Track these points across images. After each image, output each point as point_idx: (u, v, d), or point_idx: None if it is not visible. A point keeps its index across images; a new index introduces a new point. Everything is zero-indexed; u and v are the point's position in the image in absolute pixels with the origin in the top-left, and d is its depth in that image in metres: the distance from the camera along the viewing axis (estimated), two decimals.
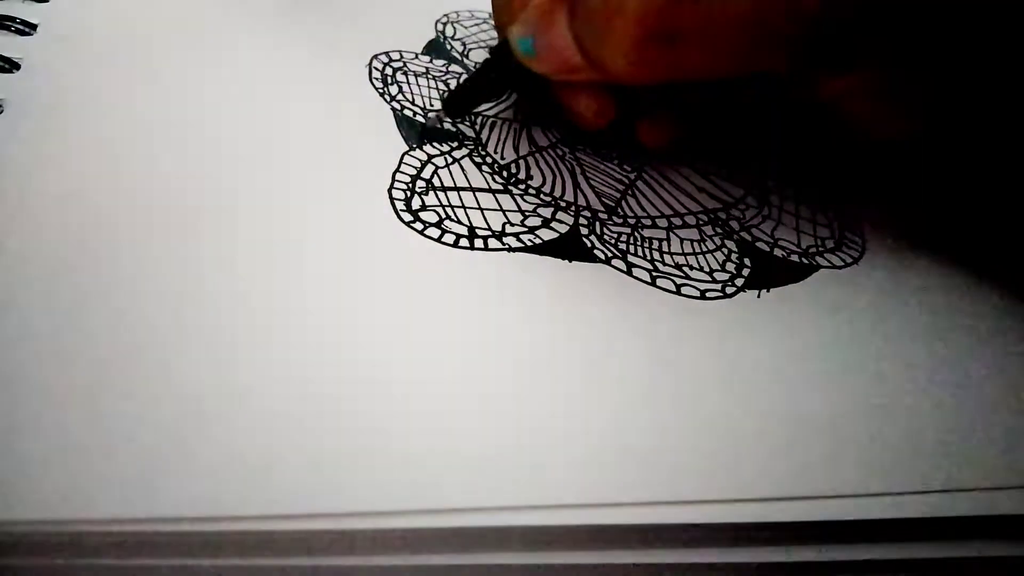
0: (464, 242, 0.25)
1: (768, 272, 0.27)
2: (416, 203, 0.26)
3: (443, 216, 0.26)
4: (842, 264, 0.28)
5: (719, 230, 0.28)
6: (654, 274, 0.26)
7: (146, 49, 0.29)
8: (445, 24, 0.36)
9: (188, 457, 0.17)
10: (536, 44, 0.25)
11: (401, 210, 0.25)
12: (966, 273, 0.29)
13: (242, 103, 0.28)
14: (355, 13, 0.35)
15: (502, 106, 0.32)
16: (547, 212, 0.27)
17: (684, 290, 0.25)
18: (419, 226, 0.25)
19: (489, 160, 0.29)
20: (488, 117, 0.31)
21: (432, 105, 0.31)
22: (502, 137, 0.30)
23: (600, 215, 0.28)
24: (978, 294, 0.28)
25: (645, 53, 0.23)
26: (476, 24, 0.37)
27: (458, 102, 0.30)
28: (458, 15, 0.37)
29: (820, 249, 0.29)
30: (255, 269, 0.22)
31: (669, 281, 0.26)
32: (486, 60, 0.29)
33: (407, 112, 0.30)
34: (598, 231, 0.27)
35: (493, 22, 0.32)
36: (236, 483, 0.17)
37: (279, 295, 0.22)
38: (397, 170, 0.27)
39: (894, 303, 0.27)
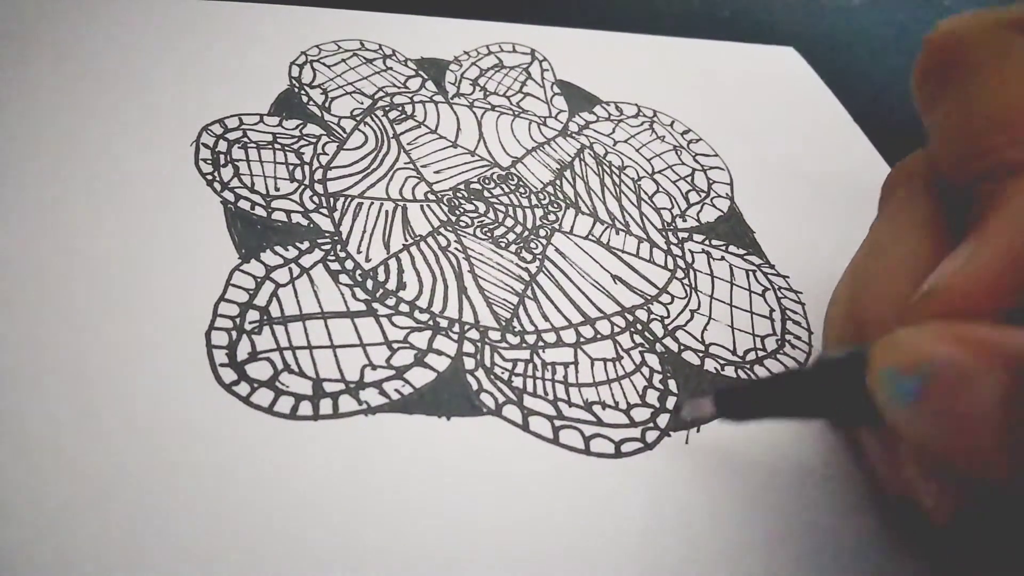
0: (306, 407, 0.19)
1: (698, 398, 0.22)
2: (243, 349, 0.20)
3: (279, 368, 0.20)
4: None
5: (638, 340, 0.23)
6: (557, 423, 0.20)
7: None
8: (303, 66, 0.29)
9: None
10: (927, 396, 0.15)
11: (221, 365, 0.19)
12: None
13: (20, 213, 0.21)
14: (186, 68, 0.28)
15: (374, 178, 0.26)
16: (423, 339, 0.21)
17: (594, 444, 0.20)
18: (244, 389, 0.19)
19: (350, 265, 0.23)
20: (352, 198, 0.25)
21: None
22: (369, 226, 0.24)
23: (491, 335, 0.22)
24: None
25: None
26: (342, 60, 0.30)
27: (740, 405, 0.19)
28: (320, 50, 0.30)
29: (760, 353, 0.24)
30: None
31: (576, 433, 0.20)
32: (798, 373, 0.20)
33: (243, 205, 0.24)
34: (487, 362, 0.21)
35: (826, 334, 0.22)
36: None
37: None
38: (222, 296, 0.21)
39: (841, 445, 0.22)
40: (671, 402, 0.22)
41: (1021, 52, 0.18)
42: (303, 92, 0.28)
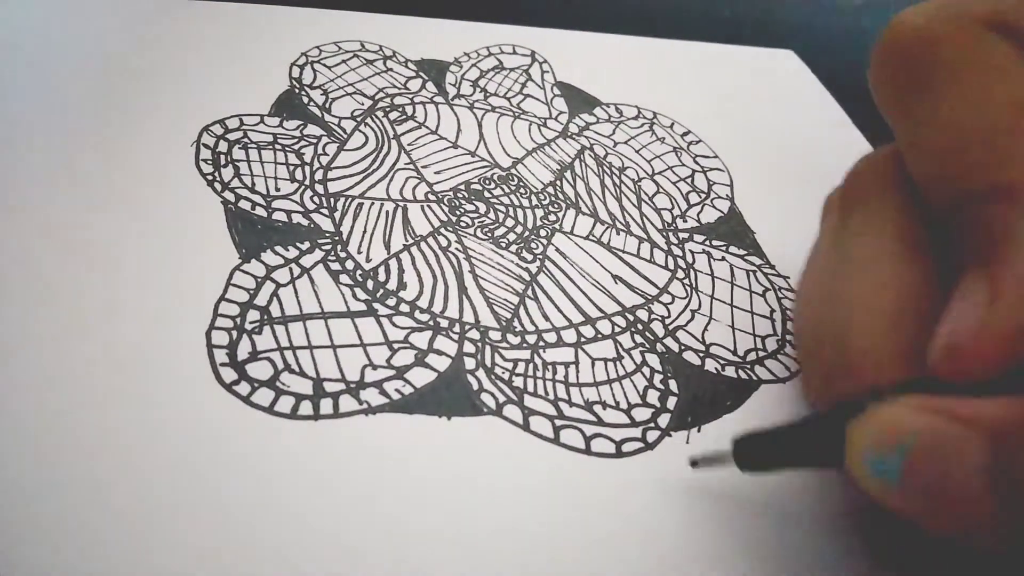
0: (306, 407, 0.19)
1: (699, 398, 0.22)
2: (244, 349, 0.20)
3: (280, 367, 0.20)
4: (786, 375, 0.23)
5: (639, 340, 0.23)
6: (558, 423, 0.20)
7: None
8: (303, 67, 0.29)
9: None
10: (908, 475, 0.14)
11: (222, 364, 0.19)
12: None
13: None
14: (186, 68, 0.28)
15: (374, 178, 0.26)
16: (423, 339, 0.21)
17: (595, 444, 0.20)
18: (244, 389, 0.19)
19: (351, 265, 0.23)
20: (353, 199, 0.25)
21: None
22: (370, 226, 0.24)
23: (492, 335, 0.22)
24: None
25: None
26: (343, 61, 0.30)
27: (758, 455, 0.18)
28: (320, 51, 0.30)
29: (760, 354, 0.24)
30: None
31: (576, 433, 0.20)
32: (811, 422, 0.18)
33: (244, 205, 0.24)
34: (488, 362, 0.21)
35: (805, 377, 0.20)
36: None
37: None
38: (223, 296, 0.21)
39: None
40: (672, 402, 0.22)
41: (1001, 56, 0.17)
42: (303, 93, 0.28)
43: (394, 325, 0.22)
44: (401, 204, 0.25)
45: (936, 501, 0.14)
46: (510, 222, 0.26)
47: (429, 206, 0.26)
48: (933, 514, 0.14)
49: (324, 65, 0.30)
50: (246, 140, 0.25)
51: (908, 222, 0.19)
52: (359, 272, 0.23)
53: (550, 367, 0.22)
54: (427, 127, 0.29)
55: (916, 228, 0.19)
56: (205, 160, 0.24)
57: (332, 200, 0.25)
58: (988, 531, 0.14)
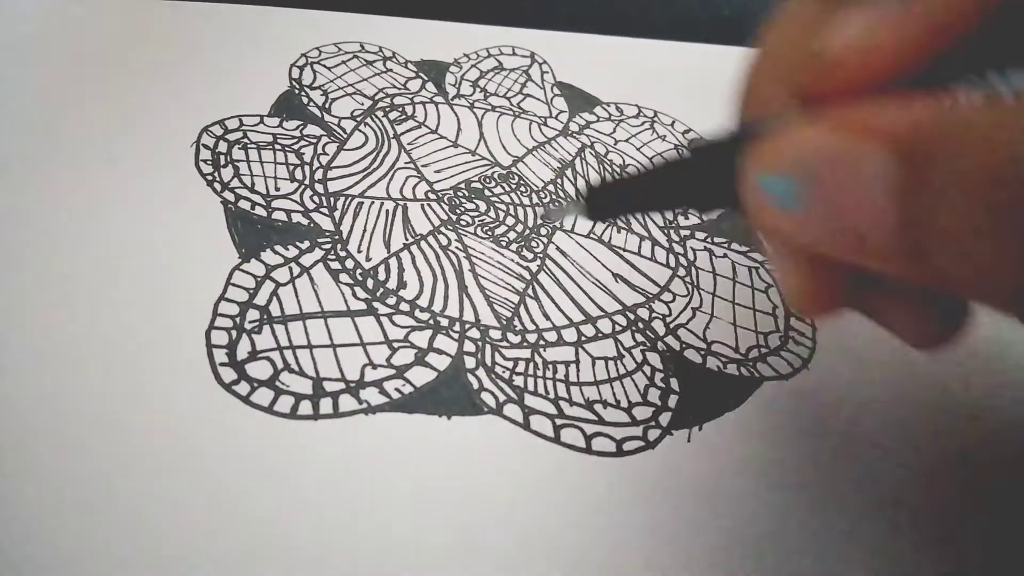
0: (306, 406, 0.19)
1: (700, 396, 0.22)
2: (244, 349, 0.20)
3: (279, 367, 0.20)
4: (789, 371, 0.23)
5: (640, 338, 0.23)
6: (558, 422, 0.20)
7: None
8: (303, 68, 0.29)
9: None
10: (811, 198, 0.13)
11: (221, 364, 0.19)
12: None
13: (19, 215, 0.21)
14: (187, 69, 0.28)
15: (374, 177, 0.26)
16: (423, 338, 0.21)
17: (596, 443, 0.20)
18: (244, 388, 0.19)
19: (350, 264, 0.23)
20: (353, 198, 0.25)
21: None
22: (370, 226, 0.24)
23: (492, 334, 0.22)
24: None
25: None
26: (343, 62, 0.30)
27: (608, 202, 0.17)
28: (320, 52, 0.30)
29: (763, 351, 0.24)
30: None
31: (577, 432, 0.20)
32: (670, 160, 0.16)
33: (243, 205, 0.23)
34: (488, 361, 0.21)
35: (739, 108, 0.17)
36: None
37: None
38: (223, 296, 0.21)
39: (845, 442, 0.22)
40: (673, 400, 0.22)
41: None
42: (303, 93, 0.28)
43: (394, 324, 0.21)
44: (401, 203, 0.25)
45: (838, 227, 0.12)
46: (510, 220, 0.26)
47: (429, 205, 0.25)
48: (835, 240, 0.13)
49: (324, 66, 0.30)
50: (246, 140, 0.25)
51: None
52: (359, 271, 0.23)
53: (550, 366, 0.22)
54: (427, 126, 0.29)
55: None
56: (205, 160, 0.24)
57: (332, 199, 0.25)
58: (894, 258, 0.12)
